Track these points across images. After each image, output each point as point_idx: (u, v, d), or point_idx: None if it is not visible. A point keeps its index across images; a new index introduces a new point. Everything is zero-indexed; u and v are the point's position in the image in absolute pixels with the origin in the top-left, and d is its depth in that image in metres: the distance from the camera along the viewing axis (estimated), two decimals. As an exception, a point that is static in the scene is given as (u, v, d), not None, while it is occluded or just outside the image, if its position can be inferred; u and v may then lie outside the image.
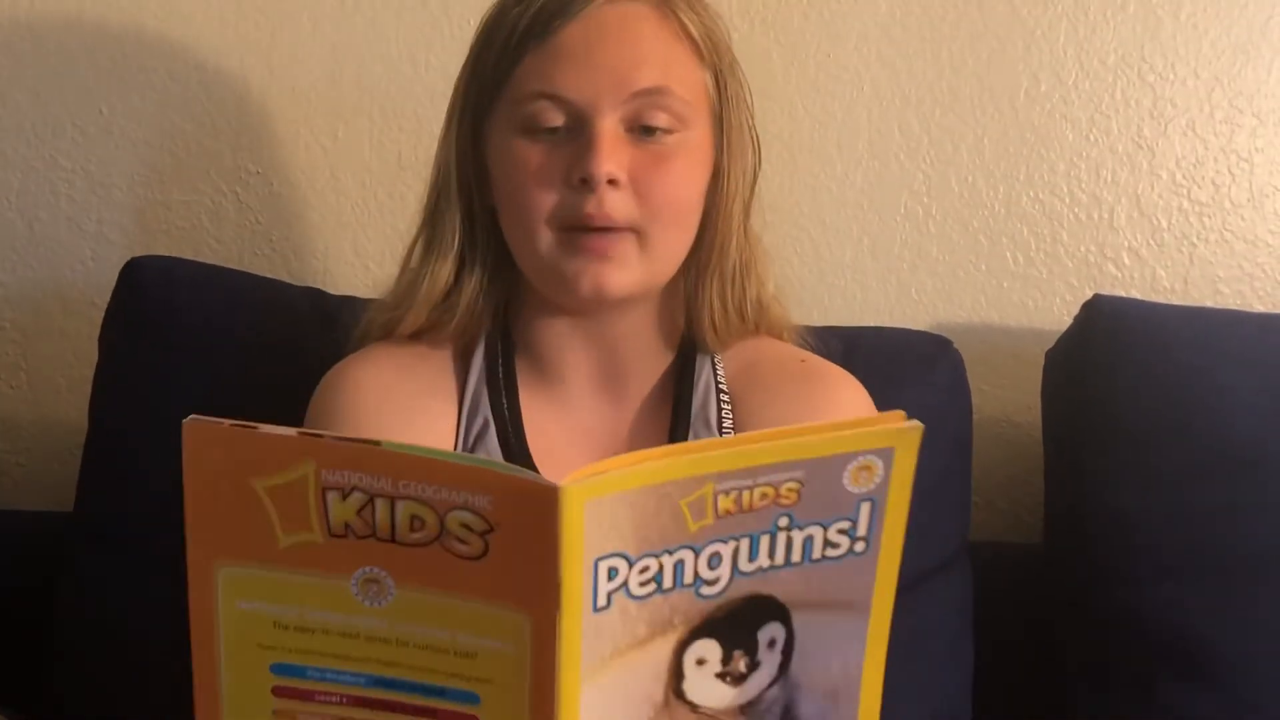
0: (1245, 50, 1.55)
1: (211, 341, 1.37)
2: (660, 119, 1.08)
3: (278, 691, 0.79)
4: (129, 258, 1.42)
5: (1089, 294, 1.46)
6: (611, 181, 1.06)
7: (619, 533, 0.74)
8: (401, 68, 1.57)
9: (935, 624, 1.36)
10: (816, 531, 0.78)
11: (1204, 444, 1.34)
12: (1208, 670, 1.30)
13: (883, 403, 1.18)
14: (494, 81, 1.11)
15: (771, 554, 0.78)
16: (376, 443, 0.74)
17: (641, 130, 1.08)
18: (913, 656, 1.30)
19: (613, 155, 1.06)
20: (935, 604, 1.36)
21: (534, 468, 1.12)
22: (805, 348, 1.21)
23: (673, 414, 1.15)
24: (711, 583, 0.78)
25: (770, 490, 0.77)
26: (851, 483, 0.78)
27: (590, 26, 1.08)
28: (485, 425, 1.14)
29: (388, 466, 0.73)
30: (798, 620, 0.80)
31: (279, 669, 0.78)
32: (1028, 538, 1.54)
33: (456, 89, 1.15)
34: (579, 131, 1.07)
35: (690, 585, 0.77)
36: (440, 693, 0.77)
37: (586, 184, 1.06)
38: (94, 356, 1.42)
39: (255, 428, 0.74)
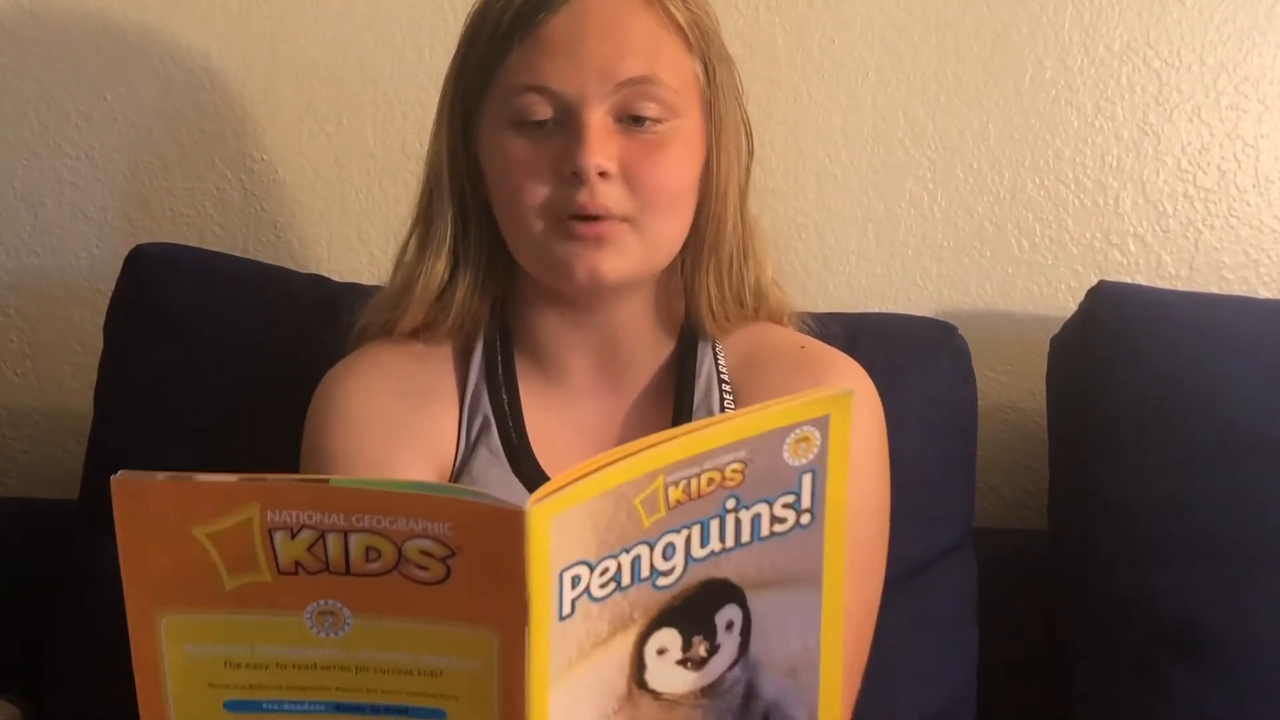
0: (1251, 36, 1.54)
1: (216, 329, 1.37)
2: (649, 109, 1.08)
3: None
4: (133, 245, 1.43)
5: (1094, 280, 1.45)
6: (602, 174, 1.06)
7: (582, 542, 0.74)
8: (405, 54, 1.57)
9: (939, 609, 1.36)
10: (763, 509, 0.79)
11: (1208, 430, 1.33)
12: (1209, 655, 1.30)
13: (887, 389, 1.18)
14: (482, 77, 1.10)
15: (722, 537, 0.79)
16: (325, 480, 0.73)
17: (630, 120, 1.08)
18: (917, 641, 1.31)
19: (602, 147, 1.06)
20: (939, 589, 1.36)
21: (536, 464, 1.13)
22: (805, 332, 1.21)
23: (675, 405, 1.15)
24: (666, 573, 0.78)
25: (716, 474, 0.77)
26: (791, 455, 0.79)
27: (576, 18, 1.08)
28: (486, 423, 1.14)
29: (339, 503, 0.72)
30: (753, 600, 0.80)
31: (233, 705, 0.77)
32: (1032, 524, 1.54)
33: (445, 86, 1.15)
34: (567, 124, 1.07)
35: (647, 579, 0.77)
36: (404, 711, 0.76)
37: (577, 176, 1.06)
38: (98, 344, 1.43)
39: (191, 477, 0.73)
